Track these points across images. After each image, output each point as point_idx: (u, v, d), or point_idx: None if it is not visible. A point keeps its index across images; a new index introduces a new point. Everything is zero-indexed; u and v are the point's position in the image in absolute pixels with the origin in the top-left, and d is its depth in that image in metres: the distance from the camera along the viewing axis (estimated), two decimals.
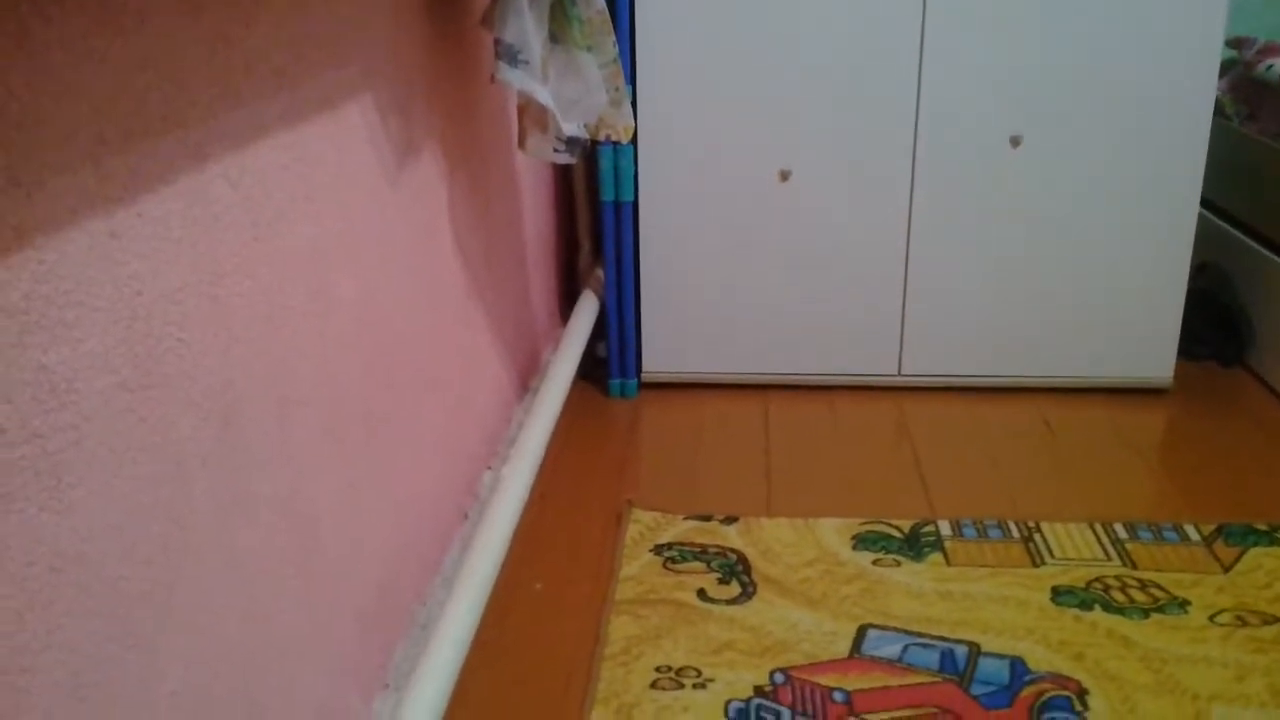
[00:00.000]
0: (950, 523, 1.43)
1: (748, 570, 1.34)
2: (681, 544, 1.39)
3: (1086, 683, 1.14)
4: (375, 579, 1.02)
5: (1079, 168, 1.69)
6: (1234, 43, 2.06)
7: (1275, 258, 1.83)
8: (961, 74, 1.65)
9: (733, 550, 1.38)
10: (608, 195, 1.73)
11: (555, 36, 1.19)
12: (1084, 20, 1.62)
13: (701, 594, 1.29)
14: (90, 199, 0.58)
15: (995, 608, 1.26)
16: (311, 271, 0.87)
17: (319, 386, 0.89)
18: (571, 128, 1.21)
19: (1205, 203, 2.04)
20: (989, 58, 1.64)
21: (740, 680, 1.15)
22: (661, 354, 1.84)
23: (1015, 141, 1.68)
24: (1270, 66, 1.92)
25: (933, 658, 1.18)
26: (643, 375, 1.85)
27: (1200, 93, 1.65)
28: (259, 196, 0.78)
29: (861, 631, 1.22)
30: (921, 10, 1.63)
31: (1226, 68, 2.03)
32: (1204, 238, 2.00)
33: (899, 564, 1.34)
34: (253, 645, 0.78)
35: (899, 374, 1.82)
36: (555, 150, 1.23)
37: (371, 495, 1.01)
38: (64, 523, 0.57)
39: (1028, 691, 1.13)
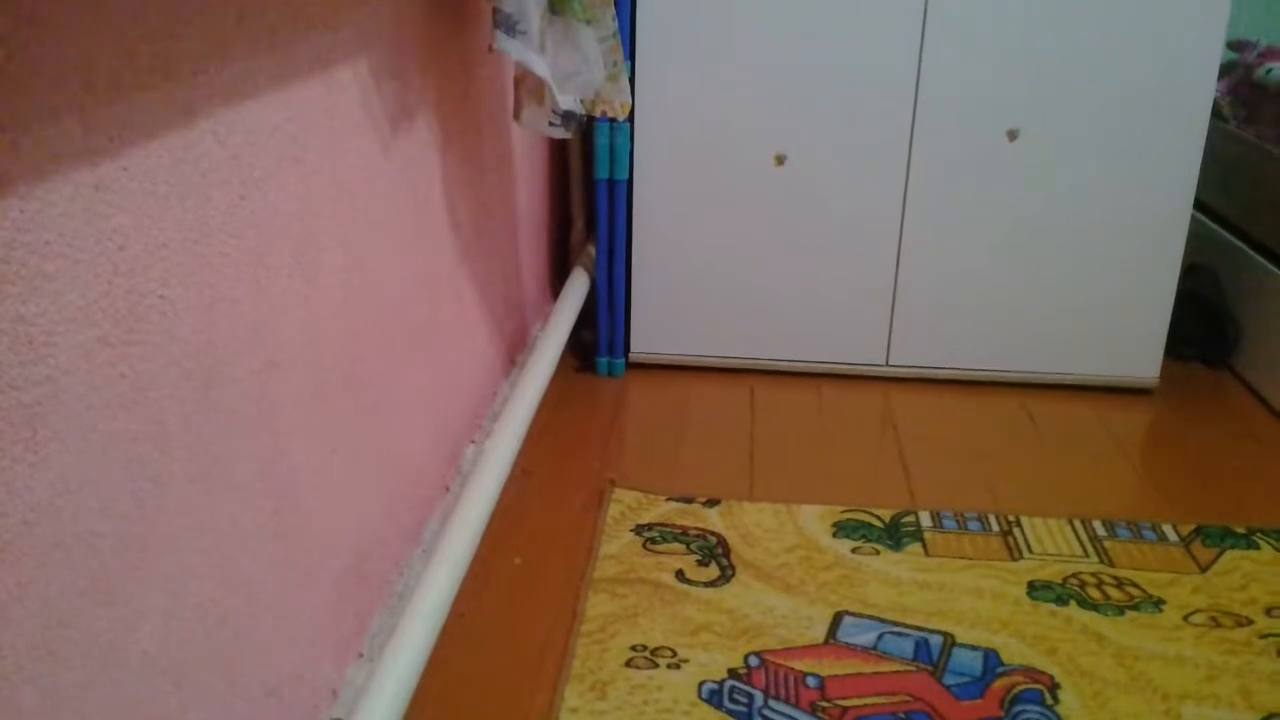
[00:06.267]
0: (931, 514, 1.43)
1: (727, 553, 1.34)
2: (662, 525, 1.39)
3: (1058, 677, 1.14)
4: (354, 547, 1.02)
5: (1075, 164, 1.69)
6: (1235, 45, 2.06)
7: (1265, 262, 1.83)
8: (961, 66, 1.65)
9: (713, 533, 1.38)
10: (602, 173, 1.72)
11: (554, 8, 1.18)
12: (1086, 17, 1.62)
13: (680, 575, 1.29)
14: (76, 149, 0.57)
15: (971, 600, 1.26)
16: (299, 234, 0.86)
17: (304, 351, 0.88)
18: (567, 101, 1.21)
19: (1198, 204, 2.04)
20: (990, 50, 1.64)
21: (715, 662, 1.15)
22: (650, 334, 1.83)
23: (1012, 135, 1.68)
24: (1270, 70, 1.92)
25: (907, 647, 1.18)
26: (630, 355, 1.85)
27: (1199, 94, 1.65)
28: (248, 156, 0.77)
29: (837, 618, 1.22)
30: (924, 1, 1.62)
31: (1226, 70, 2.03)
32: (1195, 239, 2.00)
33: (878, 553, 1.35)
34: (227, 607, 0.77)
35: (887, 364, 1.82)
36: (550, 124, 1.22)
37: (353, 463, 1.00)
38: (38, 475, 0.56)
39: (1000, 684, 1.13)
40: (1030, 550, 1.36)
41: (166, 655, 0.70)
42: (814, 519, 1.41)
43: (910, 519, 1.42)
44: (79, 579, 0.60)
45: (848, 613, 1.23)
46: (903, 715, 1.08)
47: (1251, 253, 1.87)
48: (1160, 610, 1.25)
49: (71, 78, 0.57)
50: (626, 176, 1.73)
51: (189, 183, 0.69)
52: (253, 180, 0.78)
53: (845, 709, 1.09)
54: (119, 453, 0.63)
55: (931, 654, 1.17)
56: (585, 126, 1.76)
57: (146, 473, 0.66)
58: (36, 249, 0.55)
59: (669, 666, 1.14)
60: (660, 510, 1.42)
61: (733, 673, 1.13)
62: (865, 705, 1.10)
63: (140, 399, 0.65)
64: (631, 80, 1.66)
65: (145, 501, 0.66)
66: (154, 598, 0.68)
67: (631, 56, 1.66)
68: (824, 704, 1.09)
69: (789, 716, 1.08)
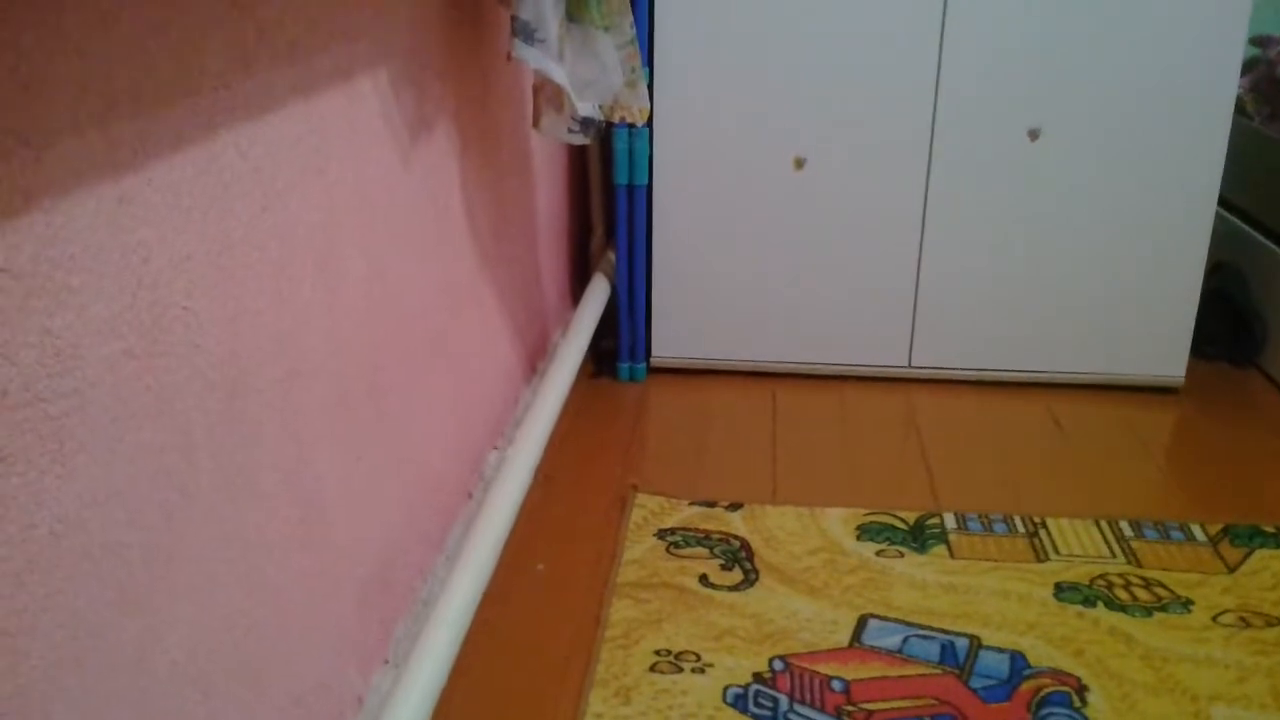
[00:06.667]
0: (955, 515, 1.43)
1: (750, 557, 1.33)
2: (685, 529, 1.39)
3: (1086, 679, 1.13)
4: (378, 555, 1.02)
5: (1097, 163, 1.68)
6: (1257, 41, 2.04)
7: None
8: (981, 65, 1.64)
9: (736, 537, 1.38)
10: (621, 178, 1.73)
11: (573, 15, 1.19)
12: (1105, 14, 1.61)
13: (703, 579, 1.29)
14: (99, 163, 0.58)
15: (997, 602, 1.25)
16: (321, 245, 0.87)
17: (327, 361, 0.89)
18: (586, 108, 1.21)
19: (1222, 202, 2.02)
20: (1009, 49, 1.63)
21: (739, 666, 1.14)
22: (671, 339, 1.83)
23: (1033, 134, 1.67)
24: None
25: (933, 649, 1.18)
26: (651, 360, 1.85)
27: (1221, 90, 1.63)
28: (269, 167, 0.77)
29: (862, 621, 1.22)
30: (943, 1, 1.61)
31: (1249, 66, 2.01)
32: (1220, 237, 1.98)
33: (902, 555, 1.34)
34: (255, 617, 0.78)
35: (909, 366, 1.82)
36: (569, 131, 1.22)
37: (377, 471, 1.01)
38: (66, 487, 0.57)
39: (1027, 686, 1.12)
40: (1056, 551, 1.35)
41: (194, 665, 0.70)
42: (838, 522, 1.41)
43: (935, 521, 1.41)
44: (107, 589, 0.61)
45: (873, 616, 1.23)
46: (929, 718, 1.08)
47: (1278, 250, 1.86)
48: (1189, 611, 1.24)
49: (94, 92, 0.57)
50: (646, 181, 1.73)
51: (212, 195, 0.70)
52: (275, 192, 0.78)
53: (871, 712, 1.08)
54: (146, 463, 0.64)
55: (958, 656, 1.16)
56: (604, 132, 1.76)
57: (173, 483, 0.67)
58: (61, 263, 0.56)
59: (693, 671, 1.14)
60: (683, 515, 1.42)
61: (757, 677, 1.13)
62: (891, 709, 1.09)
63: (166, 410, 0.66)
64: (650, 85, 1.67)
65: (172, 512, 0.67)
66: (181, 608, 0.68)
67: (650, 62, 1.67)
68: (849, 708, 1.09)
69: None
